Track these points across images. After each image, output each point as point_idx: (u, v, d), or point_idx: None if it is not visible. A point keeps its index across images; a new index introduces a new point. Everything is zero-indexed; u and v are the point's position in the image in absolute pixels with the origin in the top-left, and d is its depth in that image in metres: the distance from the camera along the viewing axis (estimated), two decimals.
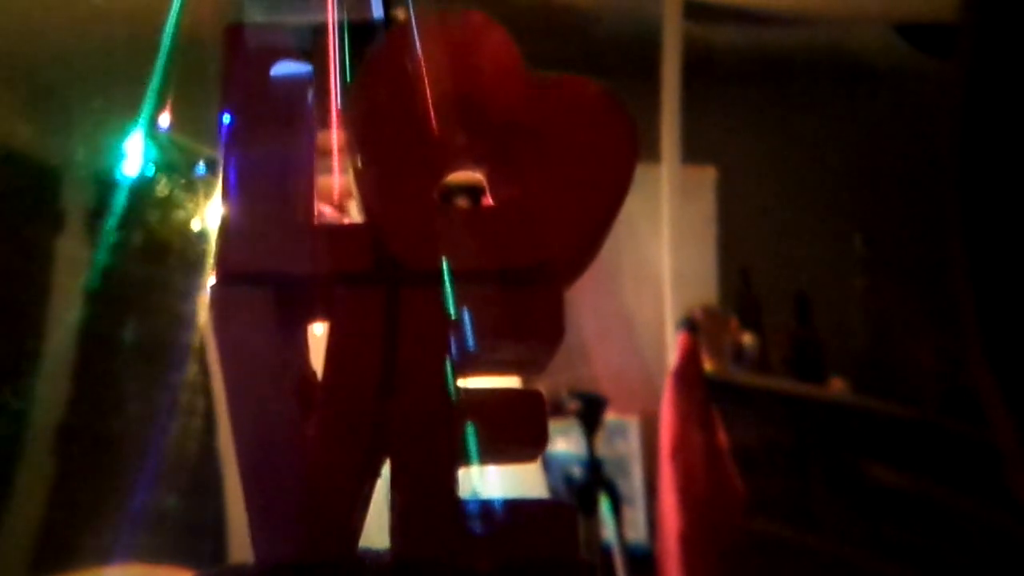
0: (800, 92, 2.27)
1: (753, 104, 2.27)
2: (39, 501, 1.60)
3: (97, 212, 1.61)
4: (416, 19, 0.54)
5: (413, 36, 0.52)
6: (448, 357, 0.52)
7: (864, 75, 2.26)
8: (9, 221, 1.68)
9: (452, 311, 0.52)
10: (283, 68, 0.53)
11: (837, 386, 2.16)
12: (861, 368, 2.17)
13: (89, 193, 1.65)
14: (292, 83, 0.53)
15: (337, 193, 0.60)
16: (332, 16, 0.54)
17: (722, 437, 1.70)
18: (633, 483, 2.01)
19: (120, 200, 1.06)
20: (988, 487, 1.76)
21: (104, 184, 1.44)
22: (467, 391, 0.53)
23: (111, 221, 1.05)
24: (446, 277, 0.52)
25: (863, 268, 2.23)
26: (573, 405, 1.67)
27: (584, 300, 1.91)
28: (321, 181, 0.56)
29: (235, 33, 0.53)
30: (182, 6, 0.62)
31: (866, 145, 2.26)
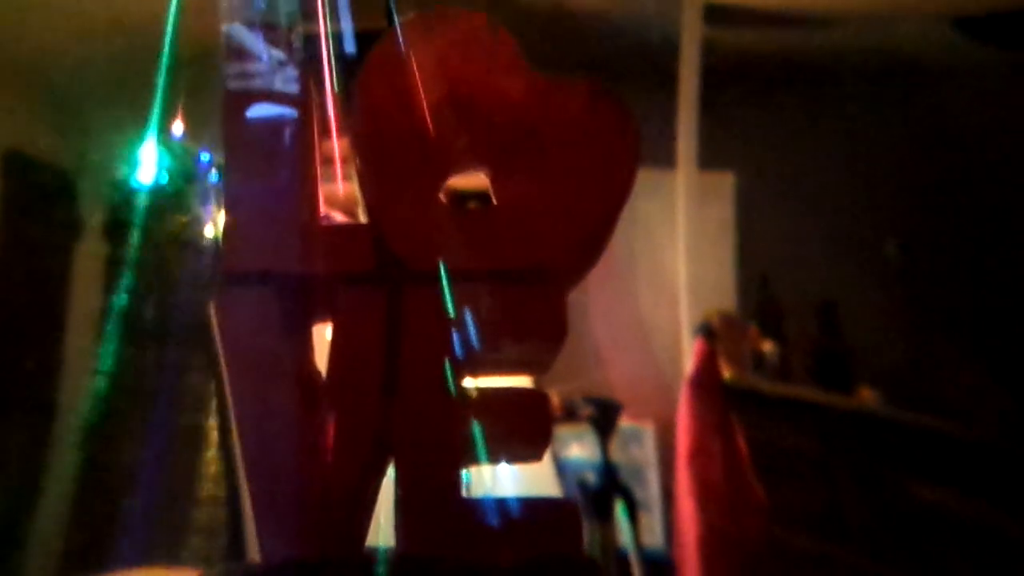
0: (826, 95, 2.25)
1: (774, 108, 2.25)
2: (65, 505, 1.61)
3: (114, 218, 1.63)
4: (418, 20, 0.54)
5: (413, 37, 0.52)
6: (451, 356, 0.53)
7: (907, 73, 2.24)
8: (28, 226, 1.71)
9: (454, 311, 0.52)
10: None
11: (866, 396, 2.14)
12: (893, 379, 2.15)
13: (106, 200, 1.67)
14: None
15: (345, 198, 0.61)
16: (323, 24, 0.55)
17: (741, 444, 1.69)
18: (649, 489, 2.01)
19: (136, 207, 1.08)
20: None
21: (120, 191, 1.45)
22: (470, 390, 0.54)
23: (128, 228, 1.06)
24: (447, 277, 0.52)
25: (897, 276, 2.20)
26: (587, 411, 1.67)
27: (599, 305, 1.91)
28: (331, 188, 0.57)
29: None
30: (179, 13, 0.63)
31: (903, 148, 2.24)
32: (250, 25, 0.54)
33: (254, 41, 0.54)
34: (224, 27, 0.54)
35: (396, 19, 0.54)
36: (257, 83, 0.54)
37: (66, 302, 1.72)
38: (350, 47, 0.56)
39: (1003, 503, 1.84)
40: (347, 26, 0.55)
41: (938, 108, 2.19)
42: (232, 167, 0.54)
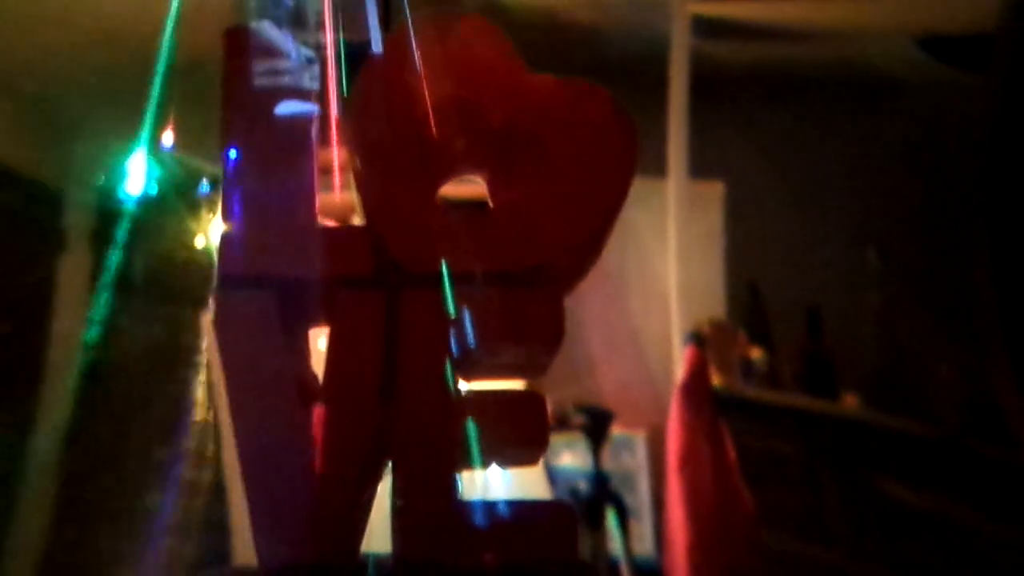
0: (811, 106, 2.27)
1: (762, 119, 2.27)
2: (44, 518, 1.61)
3: (100, 231, 1.63)
4: (415, 24, 0.54)
5: (411, 41, 0.52)
6: (449, 360, 0.53)
7: (880, 88, 2.26)
8: (13, 240, 1.70)
9: (452, 313, 0.52)
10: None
11: (850, 402, 2.15)
12: (874, 384, 2.16)
13: (92, 213, 1.67)
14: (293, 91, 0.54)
15: (341, 207, 0.60)
16: (329, 32, 0.55)
17: (731, 451, 1.69)
18: (640, 497, 2.01)
19: (123, 220, 1.08)
20: (1013, 506, 1.75)
21: (108, 203, 1.45)
22: (468, 393, 0.54)
23: (115, 240, 1.06)
24: (446, 280, 0.52)
25: (877, 283, 2.22)
26: (579, 419, 1.66)
27: (591, 314, 1.91)
28: (327, 197, 0.57)
29: (236, 36, 0.54)
30: (177, 24, 0.63)
31: (881, 159, 2.26)
32: (278, 22, 0.54)
33: (282, 38, 0.54)
34: (253, 24, 0.54)
35: (394, 24, 0.55)
36: (286, 80, 0.54)
37: (51, 311, 1.72)
38: (349, 53, 0.56)
39: (982, 505, 1.85)
40: (346, 32, 0.55)
41: (912, 121, 2.22)
42: (231, 172, 0.54)
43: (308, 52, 0.54)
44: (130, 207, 1.05)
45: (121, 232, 1.06)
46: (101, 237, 1.65)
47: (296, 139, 0.53)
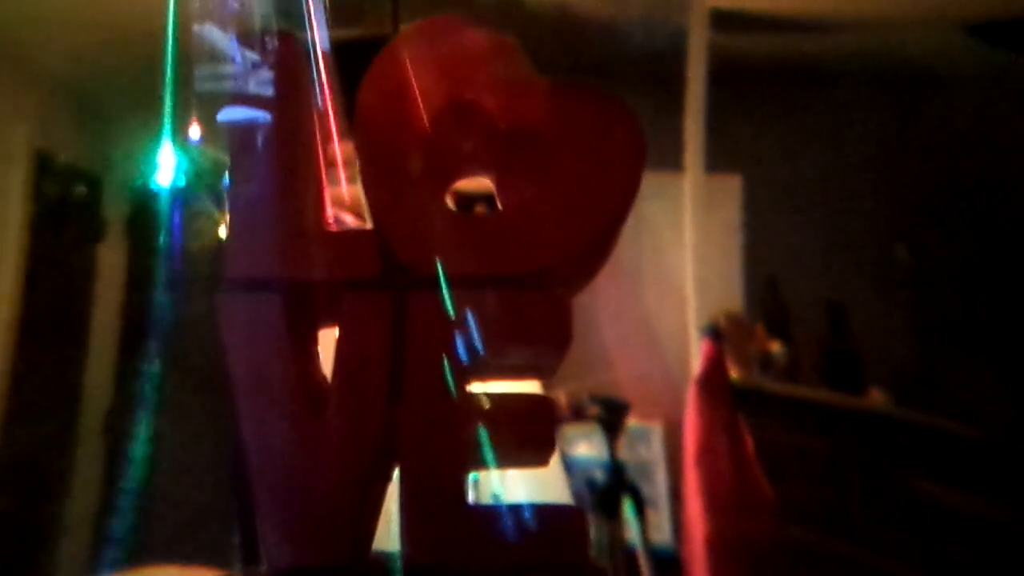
0: (834, 100, 2.25)
1: (782, 113, 2.25)
2: (91, 501, 1.62)
3: (134, 220, 1.65)
4: (422, 27, 0.54)
5: (418, 44, 0.52)
6: (455, 362, 0.53)
7: (913, 80, 2.23)
8: (54, 226, 1.73)
9: (458, 316, 0.52)
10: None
11: (876, 398, 2.13)
12: (904, 381, 2.14)
13: (127, 202, 1.69)
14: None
15: (352, 200, 0.60)
16: (326, 29, 0.55)
17: (749, 444, 1.69)
18: (657, 488, 2.00)
19: (156, 210, 1.08)
20: None
21: (141, 193, 1.47)
22: (476, 395, 0.54)
23: (148, 229, 1.07)
24: (452, 282, 0.52)
25: (907, 279, 2.19)
26: (593, 410, 1.66)
27: (607, 306, 1.91)
28: (337, 191, 0.57)
29: None
30: (177, 15, 0.63)
31: (912, 153, 2.23)
32: (223, 26, 0.54)
33: (227, 42, 0.54)
34: (196, 28, 0.54)
35: (402, 24, 0.55)
36: (230, 85, 0.53)
37: (90, 300, 1.74)
38: (353, 53, 0.56)
39: (1011, 502, 1.83)
40: (350, 32, 0.55)
41: (947, 113, 2.19)
42: (236, 173, 0.55)
43: (253, 56, 0.53)
44: (161, 198, 1.06)
45: (154, 223, 1.07)
46: (135, 227, 1.67)
47: (283, 147, 0.54)
